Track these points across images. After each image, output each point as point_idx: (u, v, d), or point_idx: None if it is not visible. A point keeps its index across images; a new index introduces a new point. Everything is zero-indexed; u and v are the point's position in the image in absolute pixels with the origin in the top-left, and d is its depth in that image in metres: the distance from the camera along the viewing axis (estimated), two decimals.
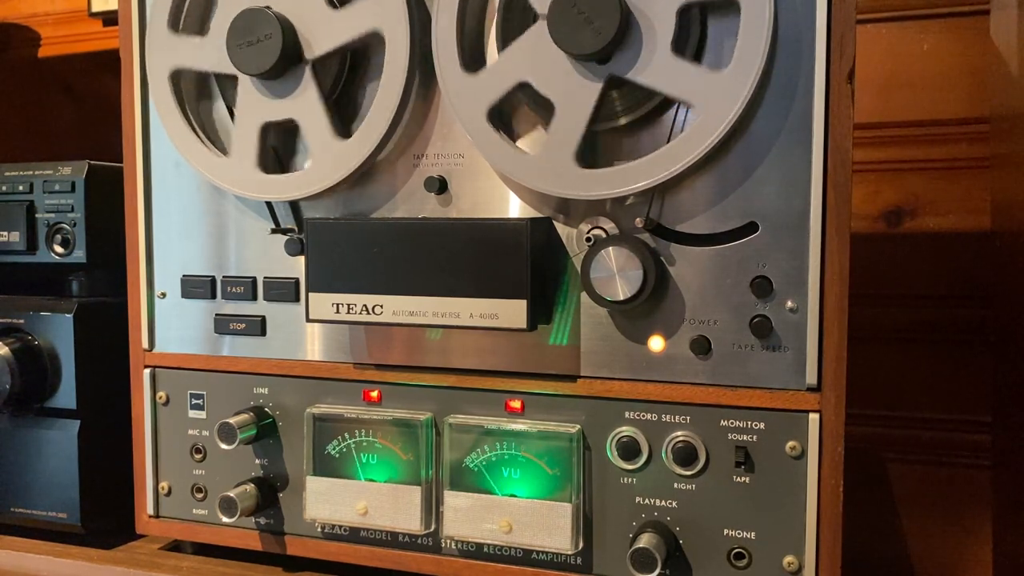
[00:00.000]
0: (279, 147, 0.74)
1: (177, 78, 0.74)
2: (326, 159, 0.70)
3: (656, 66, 0.61)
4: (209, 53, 0.72)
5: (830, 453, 0.62)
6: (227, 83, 0.74)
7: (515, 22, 0.66)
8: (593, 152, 0.66)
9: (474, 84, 0.65)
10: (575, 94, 0.63)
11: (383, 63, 0.68)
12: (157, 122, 0.76)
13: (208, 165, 0.73)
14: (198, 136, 0.74)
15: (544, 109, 0.65)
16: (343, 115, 0.72)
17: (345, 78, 0.71)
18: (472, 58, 0.67)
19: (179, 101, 0.74)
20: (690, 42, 0.62)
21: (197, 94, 0.76)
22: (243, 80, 0.71)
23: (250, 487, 0.74)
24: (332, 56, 0.70)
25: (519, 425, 0.68)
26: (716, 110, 0.60)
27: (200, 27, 0.74)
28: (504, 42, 0.66)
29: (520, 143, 0.67)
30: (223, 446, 0.73)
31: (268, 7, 0.69)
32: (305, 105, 0.70)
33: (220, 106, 0.76)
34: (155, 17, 0.74)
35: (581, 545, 0.67)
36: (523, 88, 0.65)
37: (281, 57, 0.68)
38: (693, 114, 0.62)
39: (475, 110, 0.65)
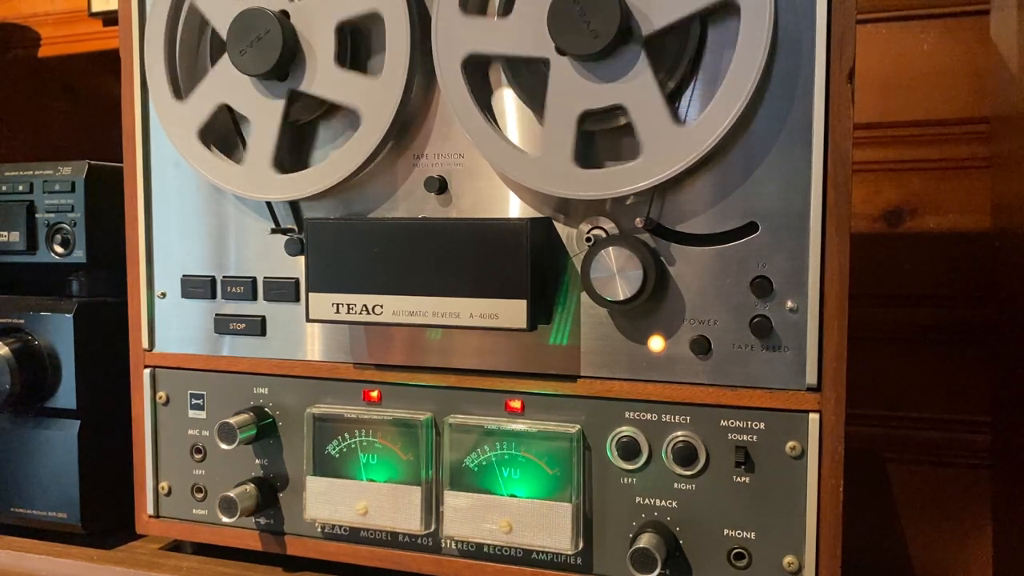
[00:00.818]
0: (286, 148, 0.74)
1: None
2: (253, 172, 0.70)
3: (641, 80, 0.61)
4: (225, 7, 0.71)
5: (830, 453, 0.62)
6: (218, 41, 0.73)
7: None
8: (592, 152, 0.66)
9: (466, 26, 0.65)
10: (570, 93, 0.63)
11: (383, 63, 0.68)
12: (157, 122, 0.76)
13: (210, 166, 0.73)
14: (201, 142, 0.74)
15: (536, 103, 0.65)
16: (312, 134, 0.72)
17: (348, 64, 0.71)
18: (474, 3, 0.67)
19: (171, 27, 0.74)
20: (687, 54, 0.62)
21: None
22: (254, 82, 0.71)
23: (250, 487, 0.74)
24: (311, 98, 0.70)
25: (519, 425, 0.68)
26: (707, 122, 0.60)
27: (200, 30, 0.74)
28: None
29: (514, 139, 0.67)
30: (223, 446, 0.73)
31: (283, 11, 0.69)
32: (266, 116, 0.70)
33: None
34: (152, 40, 0.74)
35: (581, 545, 0.67)
36: (518, 83, 0.65)
37: (272, 68, 0.68)
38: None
39: (455, 55, 0.65)
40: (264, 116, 0.71)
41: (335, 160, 0.70)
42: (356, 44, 0.71)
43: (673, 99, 0.64)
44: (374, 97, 0.68)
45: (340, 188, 0.71)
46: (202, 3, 0.72)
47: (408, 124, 0.70)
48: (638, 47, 0.61)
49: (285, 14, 0.69)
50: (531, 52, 0.64)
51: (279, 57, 0.68)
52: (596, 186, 0.63)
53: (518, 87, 0.67)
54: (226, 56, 0.71)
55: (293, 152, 0.73)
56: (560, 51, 0.62)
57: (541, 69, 0.65)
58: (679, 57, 0.63)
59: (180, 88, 0.74)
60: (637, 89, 0.62)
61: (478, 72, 0.67)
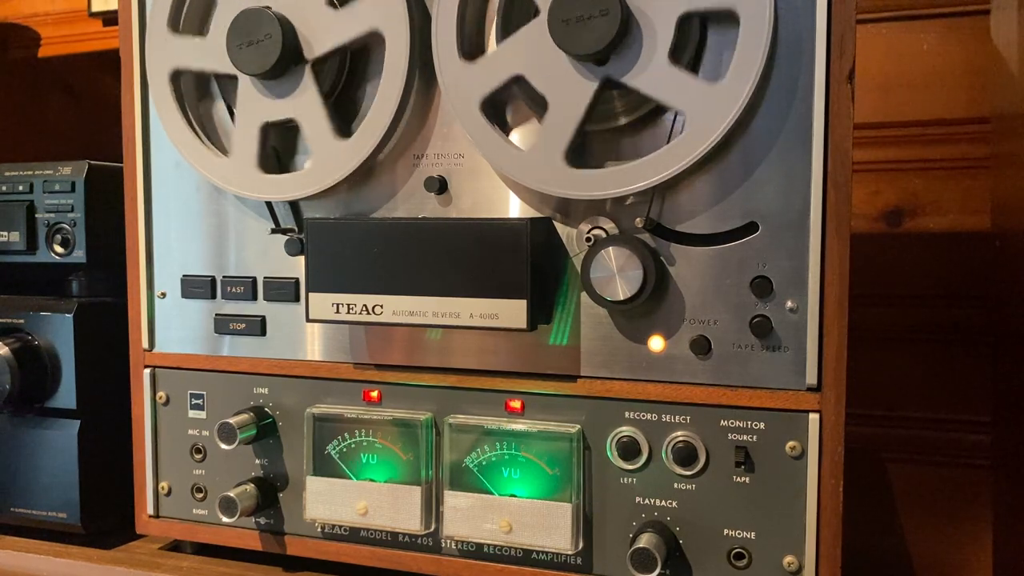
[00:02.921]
0: (279, 147, 0.74)
1: (177, 78, 0.74)
2: (326, 159, 0.70)
3: (652, 72, 0.61)
4: (209, 53, 0.72)
5: (830, 453, 0.62)
6: (228, 83, 0.74)
7: (516, 14, 0.66)
8: (592, 152, 0.66)
9: (470, 73, 0.65)
10: (570, 92, 0.63)
11: (383, 63, 0.68)
12: (157, 122, 0.76)
13: (208, 165, 0.73)
14: (198, 136, 0.74)
15: (539, 106, 0.65)
16: (343, 115, 0.72)
17: (345, 78, 0.71)
18: (471, 47, 0.67)
19: (179, 101, 0.74)
20: (687, 51, 0.62)
21: (197, 94, 0.76)
22: (243, 80, 0.71)
23: (250, 487, 0.74)
24: (332, 56, 0.70)
25: (519, 425, 0.68)
26: (708, 121, 0.60)
27: (200, 27, 0.74)
28: (504, 34, 0.66)
29: (516, 139, 0.67)
30: (223, 446, 0.73)
31: (268, 7, 0.69)
32: (305, 105, 0.70)
33: (220, 106, 0.76)
34: (155, 17, 0.74)
35: (581, 545, 0.67)
36: (519, 82, 0.65)
37: (281, 57, 0.68)
38: (686, 123, 0.62)
39: (470, 99, 0.65)
40: (304, 106, 0.70)
41: (335, 160, 0.69)
42: (355, 62, 0.71)
43: None
44: (386, 11, 0.67)
45: (340, 188, 0.71)
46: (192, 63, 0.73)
47: (408, 124, 0.70)
48: (639, 43, 0.61)
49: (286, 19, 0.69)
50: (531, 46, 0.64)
51: (279, 57, 0.68)
52: (588, 186, 0.63)
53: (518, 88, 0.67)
54: (242, 85, 0.71)
55: (285, 152, 0.73)
56: (564, 50, 0.62)
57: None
58: (679, 58, 0.63)
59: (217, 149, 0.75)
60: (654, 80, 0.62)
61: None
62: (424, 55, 0.68)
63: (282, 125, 0.72)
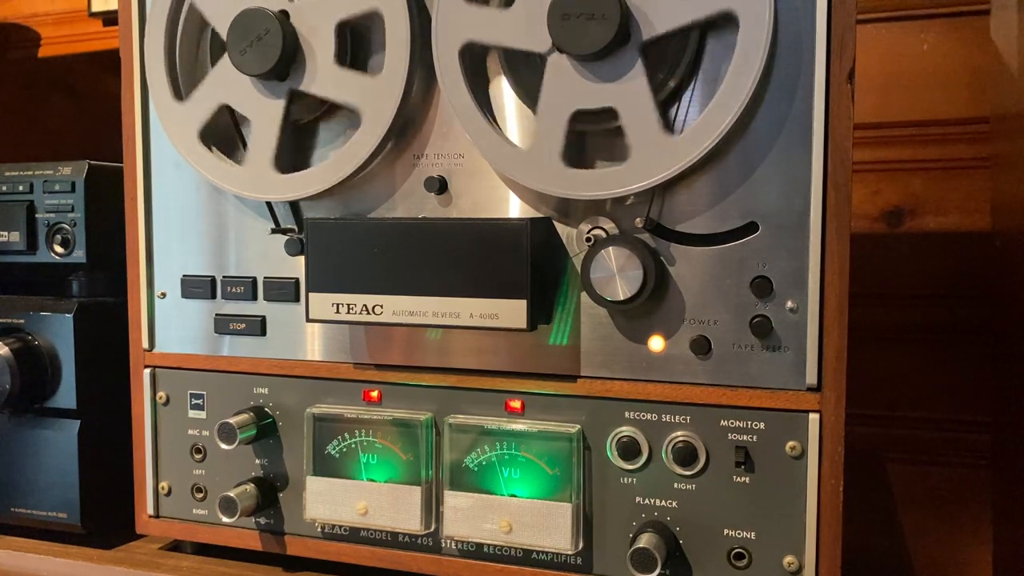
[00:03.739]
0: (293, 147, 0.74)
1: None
2: (254, 173, 0.70)
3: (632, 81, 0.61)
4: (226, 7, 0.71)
5: (830, 453, 0.62)
6: (219, 42, 0.73)
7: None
8: (584, 152, 0.66)
9: (467, 12, 0.65)
10: (565, 91, 0.63)
11: (383, 63, 0.68)
12: (157, 122, 0.76)
13: (211, 167, 0.73)
14: (200, 141, 0.74)
15: (531, 99, 0.65)
16: (313, 134, 0.72)
17: (348, 65, 0.71)
18: None
19: (171, 29, 0.74)
20: (685, 59, 0.62)
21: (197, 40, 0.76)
22: (254, 82, 0.71)
23: (250, 487, 0.74)
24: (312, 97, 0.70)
25: (519, 425, 0.68)
26: (700, 129, 0.60)
27: (200, 28, 0.74)
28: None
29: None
30: (223, 446, 0.73)
31: (283, 11, 0.69)
32: (267, 116, 0.70)
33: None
34: (152, 38, 0.74)
35: (581, 545, 0.67)
36: (513, 74, 0.65)
37: (272, 68, 0.68)
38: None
39: (453, 41, 0.65)
40: (264, 116, 0.71)
41: (335, 160, 0.70)
42: (356, 44, 0.71)
43: (672, 100, 0.64)
44: (374, 96, 0.68)
45: (340, 188, 0.71)
46: (202, 3, 0.72)
47: (408, 124, 0.70)
48: (635, 51, 0.61)
49: (285, 14, 0.69)
50: (529, 46, 0.64)
51: (279, 57, 0.68)
52: (583, 186, 0.63)
53: (514, 81, 0.67)
54: (226, 56, 0.71)
55: (294, 152, 0.73)
56: (558, 48, 0.62)
57: (537, 64, 0.65)
58: (679, 57, 0.63)
59: (180, 89, 0.74)
60: (630, 93, 0.62)
61: (476, 63, 0.67)
62: (424, 53, 0.67)
63: (293, 122, 0.72)
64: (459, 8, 0.65)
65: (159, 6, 0.73)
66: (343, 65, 0.69)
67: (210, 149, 0.73)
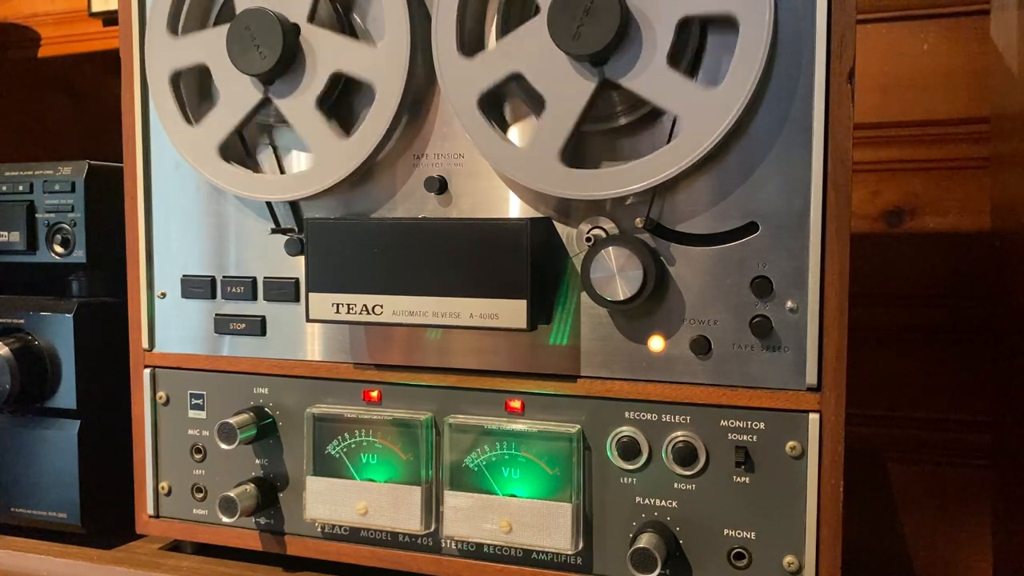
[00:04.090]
0: (277, 147, 0.74)
1: (177, 80, 0.74)
2: (328, 159, 0.70)
3: (649, 75, 0.61)
4: (208, 46, 0.71)
5: (830, 453, 0.62)
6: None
7: (516, 12, 0.66)
8: (591, 152, 0.66)
9: (469, 68, 0.65)
10: (568, 92, 0.63)
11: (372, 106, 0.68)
12: (157, 122, 0.76)
13: (211, 167, 0.73)
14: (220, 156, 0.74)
15: (536, 104, 0.65)
16: (342, 116, 0.72)
17: (344, 80, 0.71)
18: (471, 43, 0.67)
19: (179, 103, 0.74)
20: (686, 54, 0.62)
21: (199, 97, 0.76)
22: (244, 79, 0.71)
23: (250, 487, 0.74)
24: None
25: (519, 425, 0.68)
26: (703, 126, 0.61)
27: (200, 27, 0.74)
28: (504, 31, 0.66)
29: (515, 137, 0.67)
30: (223, 446, 0.73)
31: (266, 9, 0.69)
32: (300, 108, 0.70)
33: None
34: (153, 22, 0.73)
35: (581, 545, 0.67)
36: (517, 80, 0.65)
37: (282, 56, 0.68)
38: (682, 126, 0.62)
39: (468, 95, 0.65)
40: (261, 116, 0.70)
41: (336, 158, 0.69)
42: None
43: None
44: (385, 66, 0.67)
45: (340, 188, 0.71)
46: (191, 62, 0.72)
47: (410, 121, 0.70)
48: (638, 45, 0.61)
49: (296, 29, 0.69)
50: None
51: (279, 56, 0.68)
52: (582, 186, 0.63)
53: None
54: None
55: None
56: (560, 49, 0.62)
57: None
58: (680, 56, 0.63)
59: (190, 116, 0.75)
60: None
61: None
62: (425, 45, 0.67)
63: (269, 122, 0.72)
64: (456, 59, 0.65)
65: (158, 10, 0.73)
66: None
67: (228, 162, 0.73)
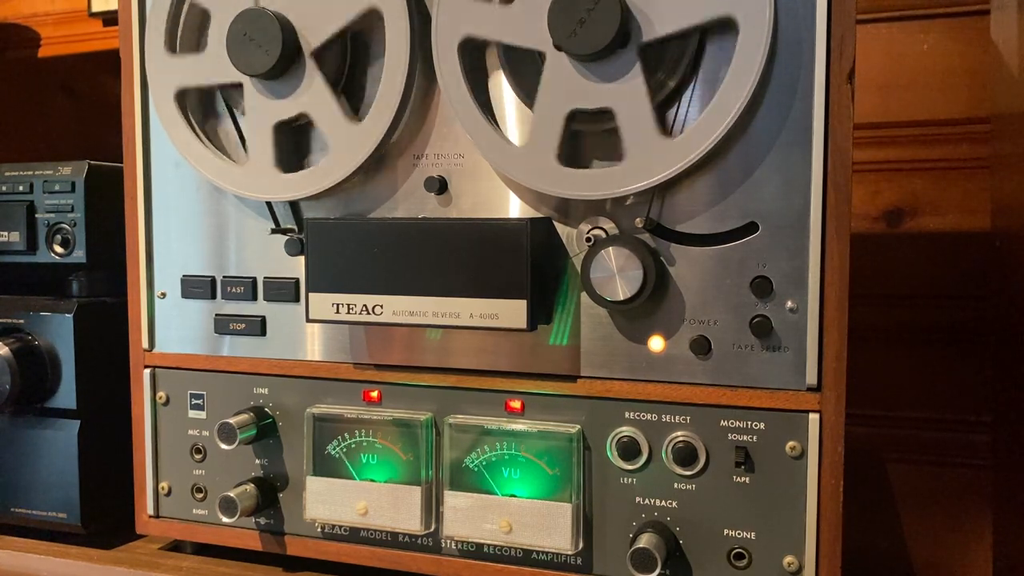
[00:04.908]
0: (290, 148, 0.74)
1: (183, 98, 0.74)
2: (345, 145, 0.69)
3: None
4: (209, 66, 0.72)
5: (830, 453, 0.62)
6: (233, 93, 0.74)
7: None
8: (581, 151, 0.66)
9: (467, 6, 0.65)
10: (565, 91, 0.63)
11: (383, 42, 0.68)
12: (157, 122, 0.76)
13: (215, 168, 0.73)
14: (203, 143, 0.74)
15: (529, 98, 0.66)
16: (351, 102, 0.71)
17: (348, 66, 0.71)
18: None
19: (186, 119, 0.74)
20: (685, 59, 0.63)
21: (203, 114, 0.76)
22: (248, 85, 0.71)
23: (250, 487, 0.74)
24: (332, 44, 0.69)
25: (519, 425, 0.68)
26: (697, 133, 0.60)
27: (197, 44, 0.74)
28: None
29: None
30: (223, 446, 0.73)
31: (264, 8, 0.69)
32: (314, 97, 0.70)
33: (226, 123, 0.76)
34: (152, 42, 0.73)
35: (581, 545, 0.67)
36: (513, 72, 0.65)
37: (282, 55, 0.68)
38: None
39: (453, 35, 0.65)
40: (262, 116, 0.70)
41: (353, 144, 0.69)
42: (356, 50, 0.71)
43: (672, 100, 0.64)
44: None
45: (340, 188, 0.71)
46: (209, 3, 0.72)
47: (409, 122, 0.70)
48: (634, 52, 0.61)
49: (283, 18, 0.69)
50: (529, 43, 0.64)
51: (280, 55, 0.68)
52: (581, 186, 0.63)
53: (513, 78, 0.67)
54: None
55: (293, 152, 0.73)
56: (557, 47, 0.62)
57: (537, 61, 0.65)
58: (679, 58, 0.63)
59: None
60: (627, 95, 0.62)
61: (475, 60, 0.67)
62: (424, 41, 0.67)
63: (293, 123, 0.71)
64: (460, 3, 0.65)
65: (154, 30, 0.73)
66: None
67: (209, 148, 0.73)
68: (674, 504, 0.66)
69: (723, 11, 0.60)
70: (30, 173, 0.85)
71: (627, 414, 0.66)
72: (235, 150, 0.75)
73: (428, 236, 0.66)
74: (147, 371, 0.79)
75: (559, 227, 0.67)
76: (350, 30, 0.70)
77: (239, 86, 0.71)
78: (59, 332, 0.81)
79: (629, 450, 0.66)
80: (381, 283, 0.67)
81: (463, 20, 0.65)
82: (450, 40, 0.66)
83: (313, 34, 0.69)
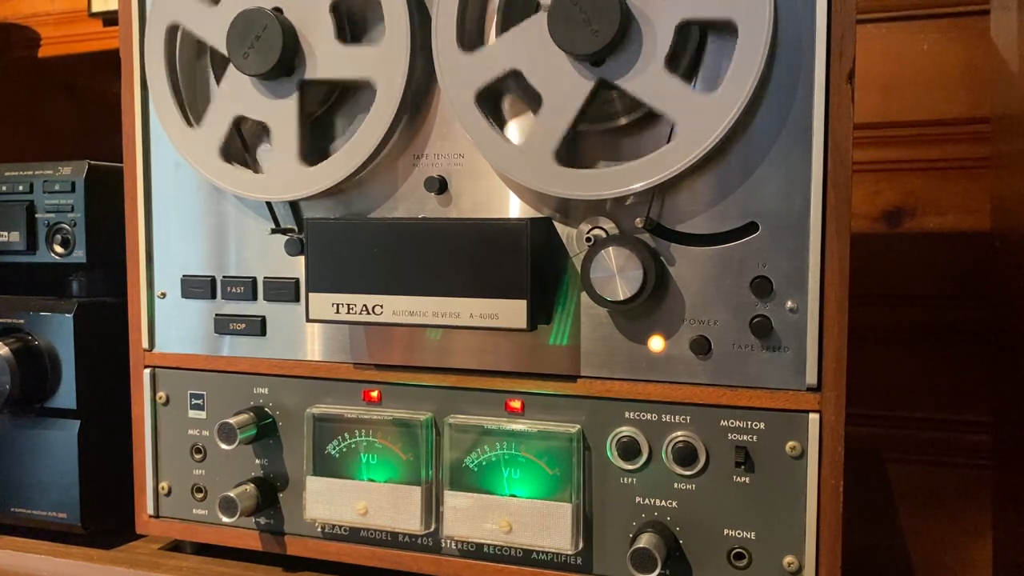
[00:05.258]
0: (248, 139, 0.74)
1: (174, 33, 0.74)
2: (282, 175, 0.70)
3: (647, 77, 0.61)
4: (214, 23, 0.71)
5: (830, 453, 0.62)
6: (219, 59, 0.74)
7: (517, 9, 0.66)
8: (591, 151, 0.66)
9: (468, 63, 0.65)
10: (565, 91, 0.63)
11: (371, 105, 0.68)
12: (157, 122, 0.76)
13: (236, 180, 0.73)
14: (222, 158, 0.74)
15: (534, 102, 0.65)
16: (321, 134, 0.72)
17: (329, 106, 0.72)
18: (470, 38, 0.67)
19: (169, 57, 0.74)
20: (685, 58, 0.62)
21: (196, 51, 0.76)
22: (263, 84, 0.71)
23: (250, 487, 0.74)
24: (322, 84, 0.70)
25: (519, 425, 0.68)
26: (698, 130, 0.61)
27: None
28: (504, 27, 0.66)
29: (514, 134, 0.67)
30: (223, 446, 0.73)
31: (278, 8, 0.69)
32: (282, 115, 0.70)
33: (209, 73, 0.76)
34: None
35: (581, 545, 0.67)
36: (515, 77, 0.65)
37: (278, 64, 0.68)
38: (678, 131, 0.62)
39: (466, 90, 0.65)
40: (280, 116, 0.70)
41: (289, 178, 0.70)
42: (353, 29, 0.71)
43: None
44: (384, 65, 0.67)
45: (340, 188, 0.71)
46: (193, 25, 0.72)
47: (409, 121, 0.70)
48: (637, 47, 0.61)
49: (279, 11, 0.69)
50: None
51: (282, 50, 0.68)
52: (581, 186, 0.63)
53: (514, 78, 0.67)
54: (231, 69, 0.71)
55: (313, 146, 0.73)
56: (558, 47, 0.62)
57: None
58: (679, 57, 0.63)
59: (190, 116, 0.74)
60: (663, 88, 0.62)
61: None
62: (425, 55, 0.67)
63: (253, 123, 0.72)
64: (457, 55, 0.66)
65: (155, 40, 0.73)
66: (345, 42, 0.69)
67: (231, 163, 0.73)
68: (674, 504, 0.66)
69: (723, 15, 0.60)
70: (30, 173, 0.85)
71: (627, 414, 0.66)
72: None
73: (428, 236, 0.66)
74: (147, 371, 0.79)
75: (559, 227, 0.67)
76: (343, 6, 0.70)
77: (227, 59, 0.71)
78: (59, 332, 0.81)
79: (629, 450, 0.66)
80: (381, 283, 0.67)
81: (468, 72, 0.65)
82: (451, 40, 0.66)
83: (312, 64, 0.69)
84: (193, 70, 0.76)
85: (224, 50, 0.70)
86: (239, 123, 0.73)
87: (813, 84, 0.60)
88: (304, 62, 0.69)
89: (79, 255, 0.84)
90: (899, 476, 1.04)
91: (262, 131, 0.74)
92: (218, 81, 0.74)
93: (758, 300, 0.63)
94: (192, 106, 0.75)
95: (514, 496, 0.68)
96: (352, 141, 0.69)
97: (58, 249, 0.84)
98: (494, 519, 0.68)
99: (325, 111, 0.72)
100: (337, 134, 0.73)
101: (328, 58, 0.69)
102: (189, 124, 0.74)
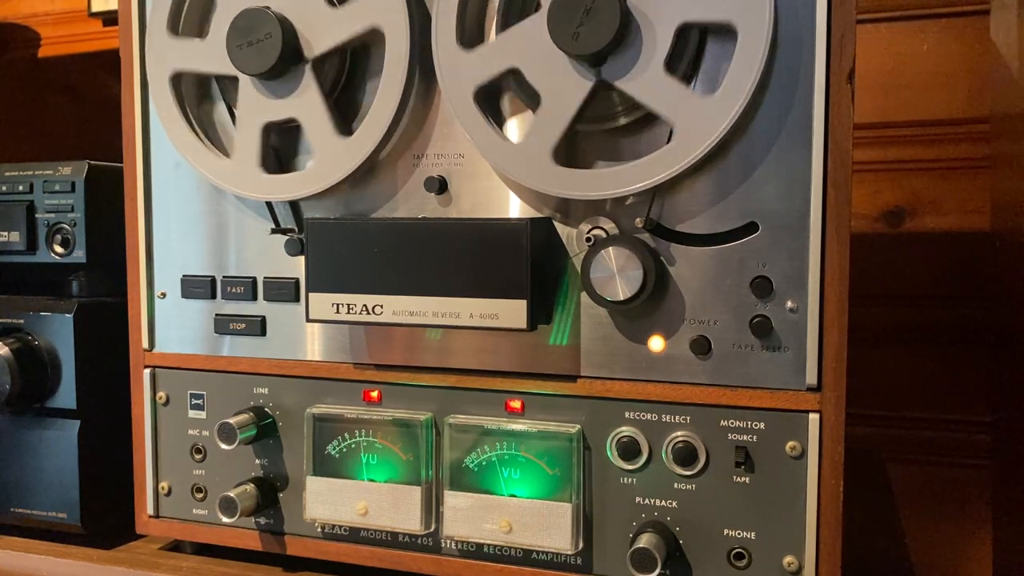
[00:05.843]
0: (280, 147, 0.74)
1: (178, 81, 0.74)
2: (329, 157, 0.70)
3: (646, 78, 0.61)
4: (209, 55, 0.72)
5: (830, 453, 0.62)
6: (228, 84, 0.74)
7: (517, 7, 0.66)
8: (591, 151, 0.66)
9: (467, 61, 0.65)
10: (564, 91, 0.63)
11: (383, 61, 0.68)
12: (157, 122, 0.76)
13: (210, 166, 0.73)
14: (199, 137, 0.74)
15: (532, 100, 0.65)
16: (344, 114, 0.72)
17: (346, 77, 0.71)
18: (470, 37, 0.67)
19: (180, 104, 0.74)
20: (684, 60, 0.62)
21: (198, 96, 0.76)
22: (243, 80, 0.71)
23: (250, 487, 0.74)
24: (332, 55, 0.70)
25: (519, 425, 0.68)
26: (695, 134, 0.61)
27: (200, 29, 0.74)
28: (504, 25, 0.66)
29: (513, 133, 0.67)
30: (223, 446, 0.73)
31: (267, 7, 0.69)
32: (306, 104, 0.70)
33: (221, 108, 0.76)
34: (154, 20, 0.74)
35: (581, 545, 0.67)
36: (515, 75, 0.65)
37: (281, 56, 0.68)
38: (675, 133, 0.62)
39: (465, 88, 0.65)
40: (306, 104, 0.70)
41: (338, 158, 0.69)
42: (355, 58, 0.71)
43: None
44: (383, 7, 0.67)
45: (340, 188, 0.71)
46: (192, 65, 0.73)
47: (408, 124, 0.70)
48: (636, 49, 0.61)
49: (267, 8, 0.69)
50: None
51: (283, 37, 0.68)
52: (581, 186, 0.63)
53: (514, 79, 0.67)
54: (243, 84, 0.71)
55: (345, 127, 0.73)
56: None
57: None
58: (680, 57, 0.63)
59: (219, 151, 0.75)
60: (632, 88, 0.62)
61: None
62: (424, 54, 0.68)
63: (283, 125, 0.72)
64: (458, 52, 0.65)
65: (158, 8, 0.73)
66: (338, 5, 0.69)
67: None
68: (674, 504, 0.66)
69: (722, 17, 0.60)
70: (30, 173, 0.85)
71: (627, 414, 0.66)
72: (229, 141, 0.75)
73: (428, 236, 0.66)
74: (147, 371, 0.79)
75: (559, 227, 0.67)
76: (350, 45, 0.70)
77: (235, 79, 0.71)
78: (59, 332, 0.81)
79: (629, 450, 0.66)
80: (381, 283, 0.67)
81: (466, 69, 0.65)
82: (450, 39, 0.66)
83: (315, 41, 0.69)
84: (201, 113, 0.76)
85: (228, 70, 0.70)
86: (268, 134, 0.72)
87: (813, 84, 0.60)
88: (308, 43, 0.69)
89: (79, 255, 0.84)
90: (899, 476, 1.04)
91: (293, 138, 0.74)
92: (232, 106, 0.74)
93: (758, 300, 0.63)
94: (216, 143, 0.75)
95: (514, 496, 0.68)
96: (380, 90, 0.68)
97: (58, 249, 0.84)
98: (494, 519, 0.68)
99: (342, 89, 0.71)
100: (361, 106, 0.72)
101: (327, 27, 0.68)
102: (224, 155, 0.74)
